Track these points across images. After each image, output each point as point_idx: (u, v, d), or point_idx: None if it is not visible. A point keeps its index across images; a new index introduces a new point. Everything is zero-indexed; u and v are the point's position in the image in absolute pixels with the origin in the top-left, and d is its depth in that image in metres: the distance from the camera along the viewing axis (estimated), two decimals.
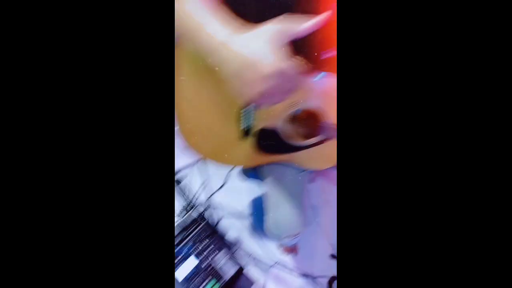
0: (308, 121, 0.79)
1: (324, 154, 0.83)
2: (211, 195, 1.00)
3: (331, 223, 1.33)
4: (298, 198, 0.91)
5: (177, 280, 0.59)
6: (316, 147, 0.79)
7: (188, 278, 0.69)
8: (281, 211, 0.89)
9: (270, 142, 0.75)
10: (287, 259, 1.18)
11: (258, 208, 1.13)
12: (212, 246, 0.75)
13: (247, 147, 0.79)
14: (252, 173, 1.22)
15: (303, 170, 0.99)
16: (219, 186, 1.05)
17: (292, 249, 1.17)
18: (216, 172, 1.07)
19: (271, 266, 1.11)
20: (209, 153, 0.78)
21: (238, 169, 1.16)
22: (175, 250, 0.70)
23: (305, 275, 1.17)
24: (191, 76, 0.66)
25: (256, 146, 0.79)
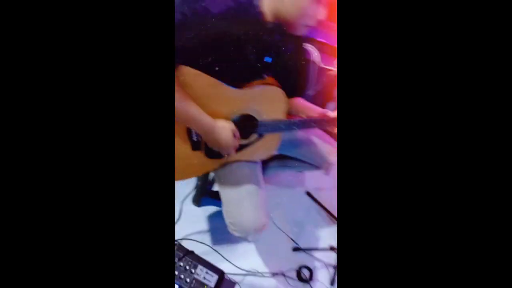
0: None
1: (265, 146, 0.95)
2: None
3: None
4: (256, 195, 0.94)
5: None
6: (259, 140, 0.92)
7: None
8: (241, 210, 0.90)
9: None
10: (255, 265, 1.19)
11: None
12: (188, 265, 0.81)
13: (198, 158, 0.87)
14: (205, 198, 1.26)
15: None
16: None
17: None
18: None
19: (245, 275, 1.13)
20: None
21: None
22: None
23: (276, 274, 1.19)
24: None
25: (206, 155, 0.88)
